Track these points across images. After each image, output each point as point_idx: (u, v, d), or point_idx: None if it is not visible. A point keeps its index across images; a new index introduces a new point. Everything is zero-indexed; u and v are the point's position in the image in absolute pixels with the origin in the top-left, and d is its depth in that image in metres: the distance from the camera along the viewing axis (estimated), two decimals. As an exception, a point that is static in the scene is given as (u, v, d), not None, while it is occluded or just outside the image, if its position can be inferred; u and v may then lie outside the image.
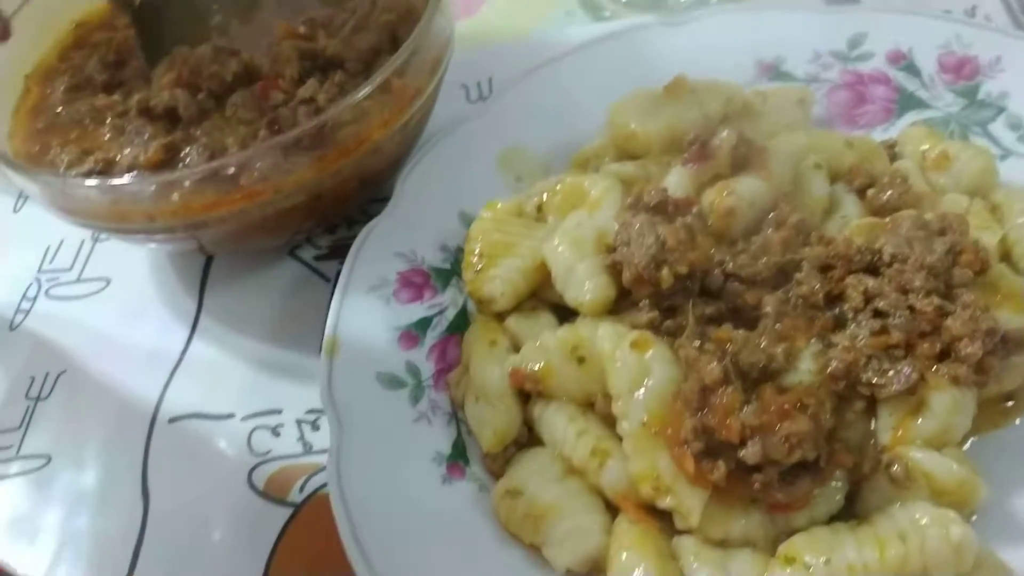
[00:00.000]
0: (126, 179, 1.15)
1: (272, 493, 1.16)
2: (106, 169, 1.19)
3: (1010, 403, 1.01)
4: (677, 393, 0.92)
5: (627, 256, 1.02)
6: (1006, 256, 1.11)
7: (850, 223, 1.10)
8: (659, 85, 1.28)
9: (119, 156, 1.19)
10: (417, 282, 1.23)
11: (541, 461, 1.02)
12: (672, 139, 1.21)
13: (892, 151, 1.26)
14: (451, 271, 1.25)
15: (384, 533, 0.97)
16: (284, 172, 1.14)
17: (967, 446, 0.97)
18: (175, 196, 1.14)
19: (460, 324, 1.20)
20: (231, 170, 1.11)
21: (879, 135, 1.31)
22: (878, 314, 0.96)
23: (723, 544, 0.92)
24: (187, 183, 1.13)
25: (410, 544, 0.97)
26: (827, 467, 0.90)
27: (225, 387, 1.29)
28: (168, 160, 1.18)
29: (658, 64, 1.33)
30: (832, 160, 1.20)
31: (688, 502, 0.90)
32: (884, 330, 0.94)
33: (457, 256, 1.24)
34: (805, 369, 0.95)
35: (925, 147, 1.22)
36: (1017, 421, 1.00)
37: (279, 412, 1.25)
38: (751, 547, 0.91)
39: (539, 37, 1.67)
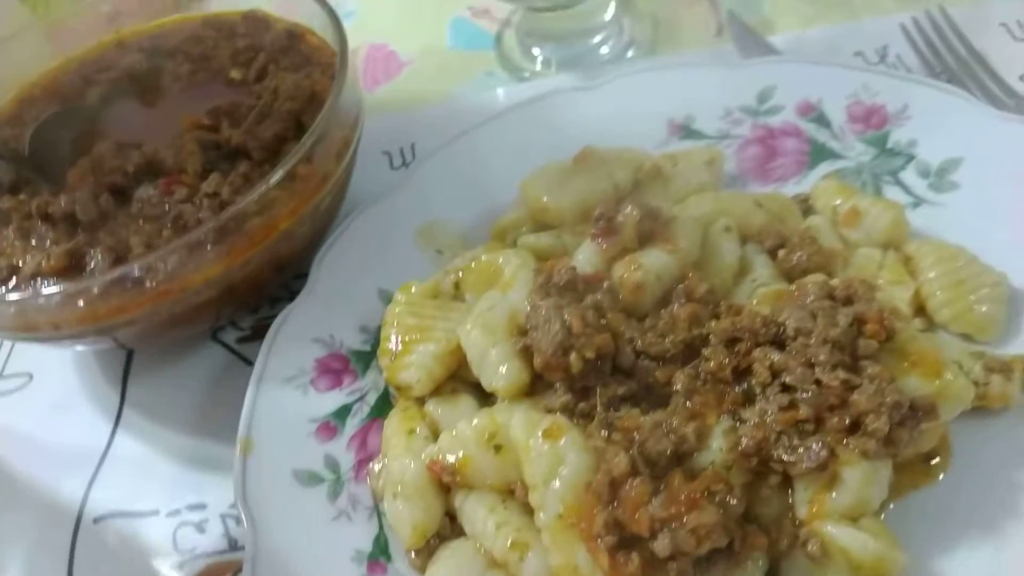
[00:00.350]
0: (26, 293, 1.13)
1: (199, 593, 1.14)
2: (9, 276, 1.17)
3: (934, 461, 1.01)
4: (587, 486, 0.91)
5: (536, 341, 1.01)
6: (920, 310, 1.12)
7: (758, 290, 1.10)
8: (572, 154, 1.28)
9: (22, 262, 1.16)
10: (336, 368, 1.21)
11: (464, 555, 1.00)
12: (584, 210, 1.21)
13: (805, 204, 1.27)
14: (371, 353, 1.23)
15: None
16: (191, 270, 1.12)
17: (889, 510, 0.97)
18: (80, 303, 1.12)
19: (381, 409, 1.18)
20: (136, 273, 1.09)
21: (792, 188, 1.31)
22: (786, 388, 0.95)
23: (648, 633, 0.91)
24: (93, 290, 1.11)
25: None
26: (742, 550, 0.89)
27: (149, 482, 1.27)
28: (72, 266, 1.15)
29: (571, 131, 1.33)
30: (742, 221, 1.20)
31: (606, 594, 0.89)
32: (792, 405, 0.94)
33: (377, 336, 1.23)
34: (716, 448, 0.94)
35: (837, 202, 1.23)
36: (940, 476, 1.00)
37: (204, 507, 1.22)
38: (671, 637, 0.90)
39: (460, 100, 1.66)
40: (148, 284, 1.10)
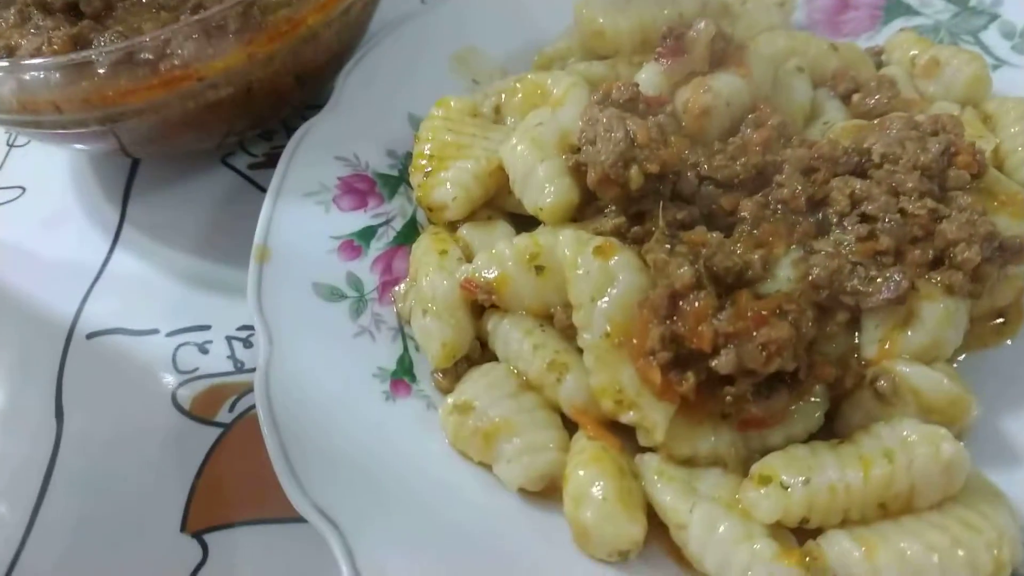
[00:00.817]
0: (31, 60, 1.02)
1: (199, 413, 1.06)
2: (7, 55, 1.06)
3: (1000, 320, 0.94)
4: (644, 301, 0.83)
5: (592, 155, 0.92)
6: (999, 167, 1.04)
7: (834, 128, 1.01)
8: (631, -21, 1.18)
9: (21, 43, 1.05)
10: (361, 189, 1.12)
11: (494, 376, 0.92)
12: (644, 37, 1.11)
13: (878, 58, 1.18)
14: (399, 178, 1.14)
15: (319, 455, 0.87)
16: (208, 57, 1.01)
17: (958, 363, 0.91)
18: (84, 83, 1.01)
19: (408, 236, 1.10)
20: (147, 55, 0.98)
21: (863, 43, 1.22)
22: (865, 219, 0.88)
23: (690, 463, 0.84)
24: (99, 68, 1.00)
25: (347, 465, 0.87)
26: (807, 380, 0.82)
27: (149, 302, 1.18)
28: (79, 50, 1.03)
29: (630, -42, 1.22)
30: (815, 64, 1.11)
31: (653, 417, 0.82)
32: (872, 236, 0.86)
33: (406, 163, 1.14)
34: (784, 277, 0.86)
35: (914, 53, 1.14)
36: (1008, 342, 0.94)
37: (207, 328, 1.14)
38: (721, 466, 0.84)
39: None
40: (161, 66, 0.99)
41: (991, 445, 0.87)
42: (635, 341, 0.82)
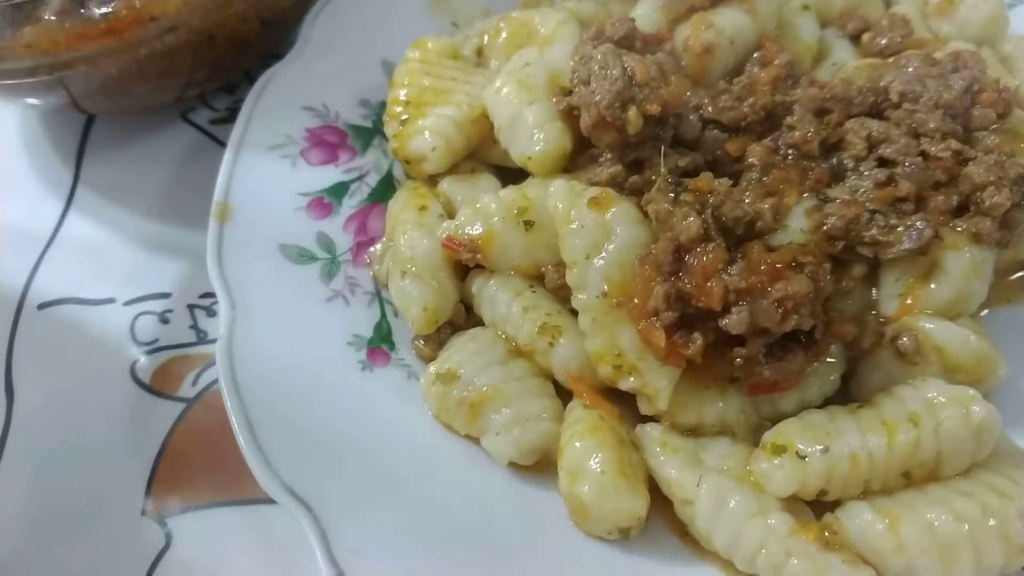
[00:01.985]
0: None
1: (159, 387, 0.99)
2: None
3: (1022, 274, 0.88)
4: (645, 257, 0.75)
5: (586, 97, 0.84)
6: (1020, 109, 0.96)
7: (846, 67, 0.94)
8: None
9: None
10: (331, 141, 1.03)
11: (481, 342, 0.85)
12: (639, -31, 1.02)
13: (888, -3, 1.10)
14: (373, 130, 1.05)
15: (288, 430, 0.79)
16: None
17: (980, 319, 0.84)
18: (27, 28, 0.92)
19: (384, 192, 1.01)
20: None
21: (872, -19, 1.13)
22: (884, 163, 0.80)
23: (695, 432, 0.77)
24: (43, 11, 0.91)
25: (320, 442, 0.79)
26: (823, 340, 0.75)
27: (104, 269, 1.09)
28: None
29: None
30: (822, 2, 1.03)
31: (655, 383, 0.75)
32: (891, 181, 0.79)
33: (380, 112, 1.04)
34: (796, 228, 0.79)
35: (927, -10, 1.06)
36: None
37: (167, 296, 1.06)
38: (729, 436, 0.77)
39: None
40: (111, 6, 0.90)
41: (1016, 405, 0.80)
42: (636, 301, 0.75)
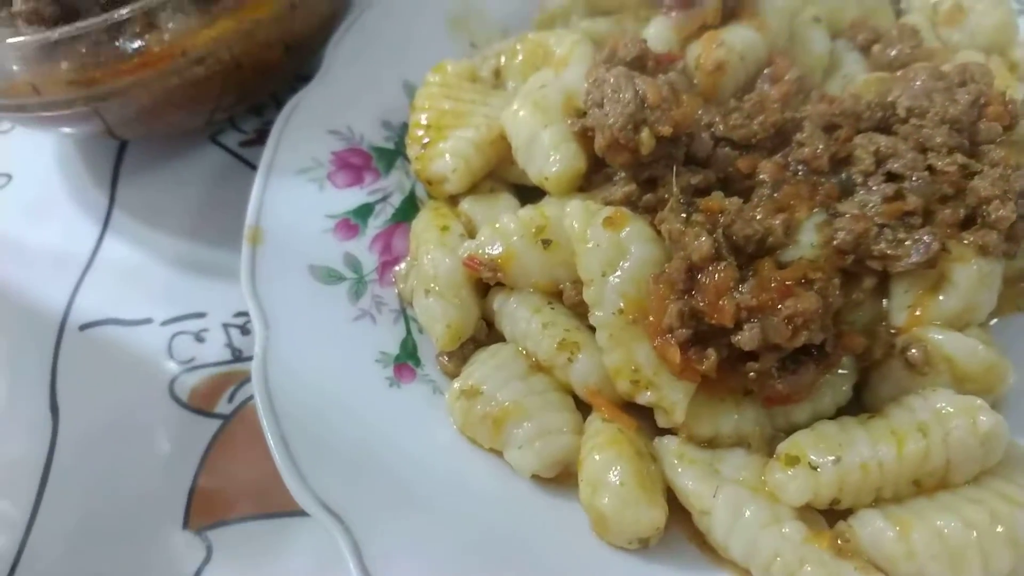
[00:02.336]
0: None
1: (197, 404, 1.02)
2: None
3: (1034, 280, 0.89)
4: (659, 275, 0.78)
5: (600, 119, 0.87)
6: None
7: (855, 81, 0.95)
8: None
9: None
10: (356, 164, 1.07)
11: (502, 358, 0.88)
12: (650, -12, 1.04)
13: (898, 7, 1.12)
14: (396, 151, 1.09)
15: (321, 446, 0.83)
16: (192, 27, 0.96)
17: (989, 328, 0.85)
18: (64, 64, 0.96)
19: (408, 212, 1.04)
20: (125, 21, 0.93)
21: (882, -10, 1.15)
22: (892, 177, 0.82)
23: (711, 444, 0.80)
24: (79, 46, 0.95)
25: (351, 456, 0.83)
26: (834, 352, 0.77)
27: (142, 289, 1.13)
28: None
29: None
30: (832, 13, 1.05)
31: (672, 396, 0.78)
32: (899, 195, 0.81)
33: (402, 134, 1.08)
34: (807, 243, 0.81)
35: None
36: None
37: (203, 316, 1.10)
38: (744, 447, 0.79)
39: None
40: (144, 42, 0.94)
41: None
42: (651, 318, 0.78)
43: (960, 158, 0.80)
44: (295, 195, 1.02)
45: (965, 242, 0.79)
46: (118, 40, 0.97)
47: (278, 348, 0.89)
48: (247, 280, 0.93)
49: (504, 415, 0.82)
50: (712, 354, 0.75)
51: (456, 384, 0.86)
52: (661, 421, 0.80)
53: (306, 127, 1.06)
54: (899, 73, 0.92)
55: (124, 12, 0.93)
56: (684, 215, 0.80)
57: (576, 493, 0.80)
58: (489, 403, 0.83)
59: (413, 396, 0.89)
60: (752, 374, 0.76)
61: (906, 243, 0.78)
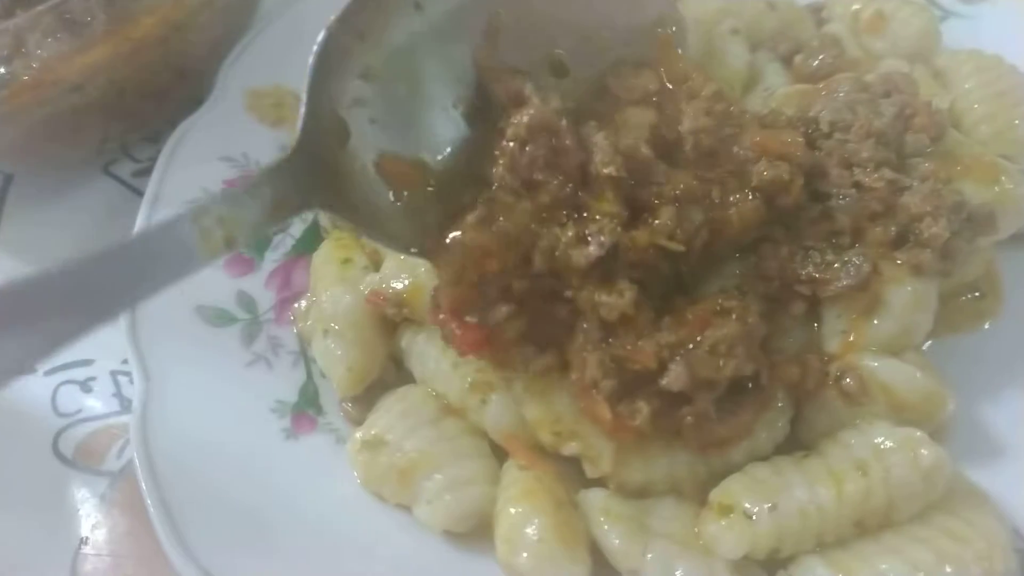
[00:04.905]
0: None
1: (84, 461, 0.93)
2: None
3: (976, 294, 0.85)
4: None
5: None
6: (956, 125, 0.94)
7: (776, 95, 0.91)
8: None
9: None
10: (252, 192, 0.98)
11: (411, 401, 0.80)
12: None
13: (819, 15, 1.08)
14: (297, 178, 1.01)
15: (208, 509, 0.75)
16: (63, 57, 0.87)
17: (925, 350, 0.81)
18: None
19: (310, 243, 0.96)
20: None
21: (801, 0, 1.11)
22: (816, 197, 0.77)
23: (643, 493, 0.73)
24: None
25: (242, 520, 0.75)
26: (769, 384, 0.72)
27: (23, 336, 1.03)
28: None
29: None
30: (752, 25, 1.00)
31: (597, 445, 0.72)
32: (826, 215, 0.76)
33: (305, 159, 1.00)
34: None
35: (857, 7, 1.04)
36: (986, 325, 0.85)
37: (90, 363, 1.00)
38: (675, 495, 0.73)
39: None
40: (13, 69, 0.85)
41: (967, 439, 0.78)
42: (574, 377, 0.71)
43: (888, 173, 0.75)
44: (182, 229, 0.93)
45: (898, 262, 0.74)
46: (-17, 65, 0.88)
47: (161, 402, 0.81)
48: (127, 326, 0.85)
49: (411, 466, 0.75)
50: (644, 407, 0.68)
51: (358, 434, 0.78)
52: (590, 472, 0.73)
53: (196, 154, 0.98)
54: (821, 85, 0.87)
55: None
56: None
57: (493, 546, 0.73)
58: (395, 453, 0.75)
59: (313, 448, 0.81)
60: (689, 418, 0.69)
61: (835, 265, 0.73)
